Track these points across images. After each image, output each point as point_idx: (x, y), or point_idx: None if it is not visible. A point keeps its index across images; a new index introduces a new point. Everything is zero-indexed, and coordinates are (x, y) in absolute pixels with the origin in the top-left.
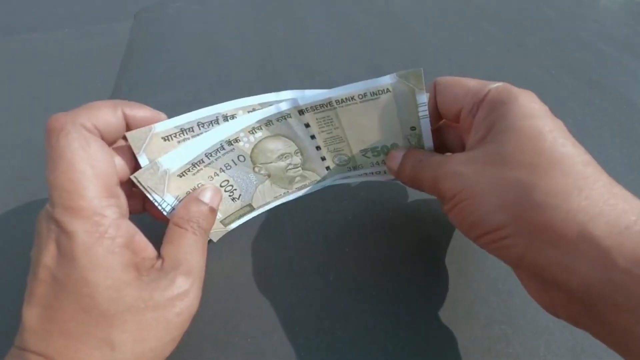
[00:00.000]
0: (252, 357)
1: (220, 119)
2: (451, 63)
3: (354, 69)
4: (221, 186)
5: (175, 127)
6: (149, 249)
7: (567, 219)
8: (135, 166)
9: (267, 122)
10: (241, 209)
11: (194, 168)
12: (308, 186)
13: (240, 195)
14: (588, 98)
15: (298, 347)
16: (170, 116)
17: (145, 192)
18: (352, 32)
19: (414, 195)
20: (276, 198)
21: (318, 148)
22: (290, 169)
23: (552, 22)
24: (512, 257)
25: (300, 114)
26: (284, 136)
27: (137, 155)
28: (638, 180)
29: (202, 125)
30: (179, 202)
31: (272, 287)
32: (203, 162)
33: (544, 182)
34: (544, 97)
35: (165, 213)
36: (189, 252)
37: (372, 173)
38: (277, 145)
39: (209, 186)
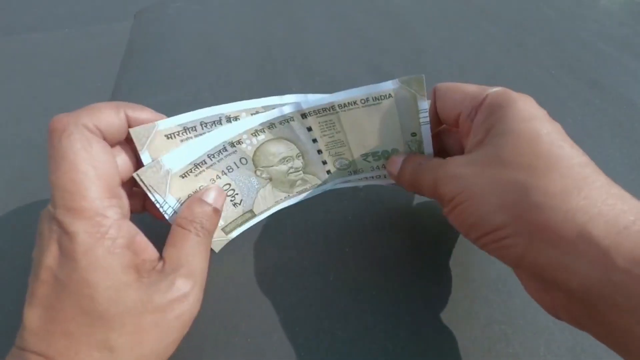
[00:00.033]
0: (252, 357)
1: (224, 120)
2: (451, 63)
3: (354, 69)
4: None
5: (178, 125)
6: (149, 249)
7: (566, 219)
8: (137, 166)
9: (270, 125)
10: (242, 215)
11: (196, 169)
12: (309, 190)
13: (241, 200)
14: (588, 98)
15: (298, 347)
16: (170, 117)
17: (147, 192)
18: (352, 32)
19: (413, 195)
20: (277, 202)
21: (319, 152)
22: (291, 172)
23: (552, 22)
24: (512, 257)
25: (302, 118)
26: (286, 139)
27: (140, 152)
28: (638, 180)
29: (205, 125)
30: (181, 204)
31: (272, 287)
32: (205, 163)
33: (543, 183)
34: (544, 97)
35: (166, 216)
36: (190, 254)
37: (373, 177)
38: (279, 149)
39: (213, 186)
